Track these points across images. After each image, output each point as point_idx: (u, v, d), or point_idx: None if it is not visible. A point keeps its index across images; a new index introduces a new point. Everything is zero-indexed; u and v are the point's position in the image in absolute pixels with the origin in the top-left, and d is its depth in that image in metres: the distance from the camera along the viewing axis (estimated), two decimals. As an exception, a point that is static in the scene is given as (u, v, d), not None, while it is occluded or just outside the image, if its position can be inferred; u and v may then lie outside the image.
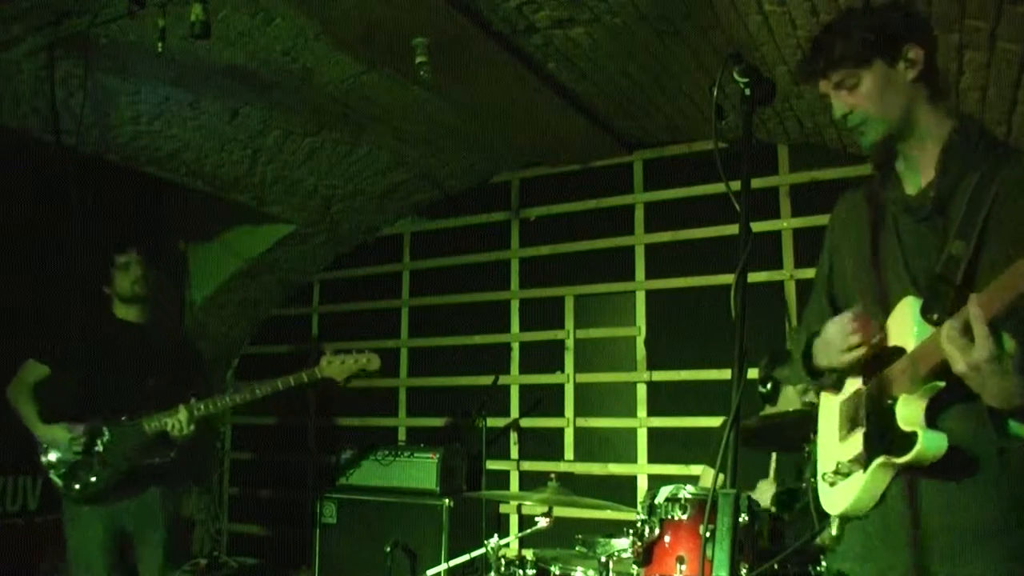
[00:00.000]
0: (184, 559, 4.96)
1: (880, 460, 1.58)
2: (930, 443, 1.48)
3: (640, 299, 4.56)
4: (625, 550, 2.91)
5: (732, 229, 4.07)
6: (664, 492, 2.70)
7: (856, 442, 1.67)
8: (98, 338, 3.52)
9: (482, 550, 3.36)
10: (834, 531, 1.79)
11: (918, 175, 1.66)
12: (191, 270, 5.27)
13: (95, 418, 3.42)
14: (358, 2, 2.90)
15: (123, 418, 3.42)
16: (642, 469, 4.42)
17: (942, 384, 1.48)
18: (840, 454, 1.73)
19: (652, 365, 4.47)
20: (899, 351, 1.56)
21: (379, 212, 5.21)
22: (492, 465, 4.76)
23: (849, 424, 1.72)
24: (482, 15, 3.08)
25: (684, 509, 2.61)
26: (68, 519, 3.42)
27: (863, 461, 1.63)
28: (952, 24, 2.56)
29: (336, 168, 4.50)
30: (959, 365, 1.34)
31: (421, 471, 4.45)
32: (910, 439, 1.49)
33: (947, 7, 2.48)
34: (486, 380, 4.66)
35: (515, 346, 4.90)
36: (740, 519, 2.40)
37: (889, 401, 1.55)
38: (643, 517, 2.70)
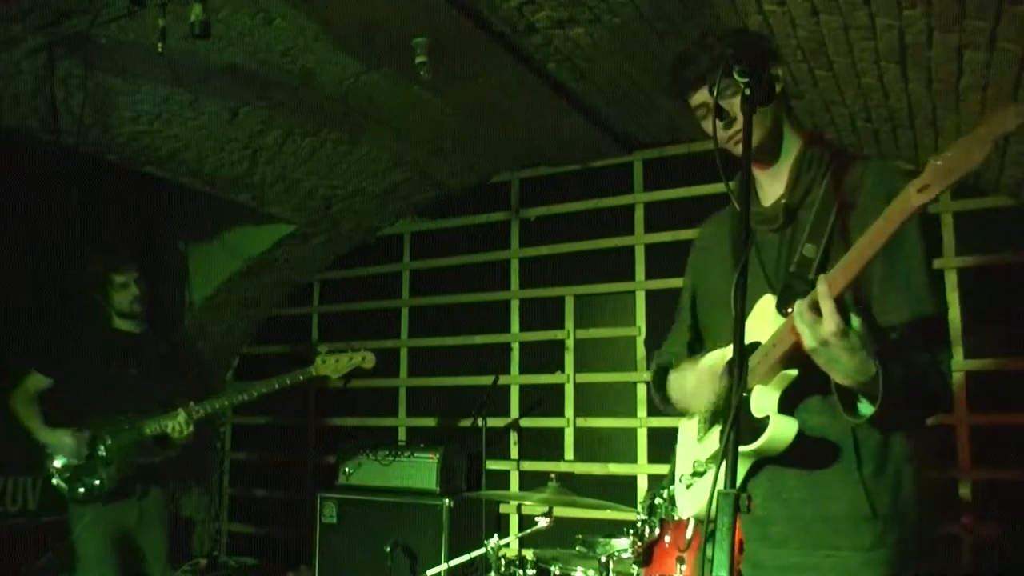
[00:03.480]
0: (184, 559, 4.99)
1: None
2: (780, 425, 1.54)
3: (640, 299, 4.56)
4: (625, 550, 2.92)
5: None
6: (664, 492, 2.71)
7: (714, 440, 1.72)
8: (97, 349, 3.62)
9: (482, 550, 3.37)
10: (688, 534, 1.80)
11: (773, 188, 1.77)
12: (191, 270, 5.27)
13: (96, 423, 3.51)
14: (358, 2, 2.90)
15: (123, 421, 3.53)
16: (642, 469, 4.42)
17: (795, 372, 1.55)
18: (698, 455, 1.78)
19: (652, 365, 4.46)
20: (755, 346, 1.63)
21: (379, 212, 5.21)
22: (492, 465, 4.76)
23: (707, 423, 1.77)
24: (482, 15, 3.08)
25: (684, 509, 2.61)
26: (74, 522, 3.50)
27: (719, 457, 1.66)
28: (952, 24, 2.56)
29: (336, 168, 4.50)
30: (810, 340, 1.42)
31: (421, 471, 4.45)
32: (762, 425, 1.55)
33: (947, 7, 2.48)
34: (486, 380, 4.66)
35: (515, 346, 4.90)
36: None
37: (744, 394, 1.60)
38: (643, 517, 2.71)
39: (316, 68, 3.46)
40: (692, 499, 1.76)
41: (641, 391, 4.48)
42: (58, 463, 3.47)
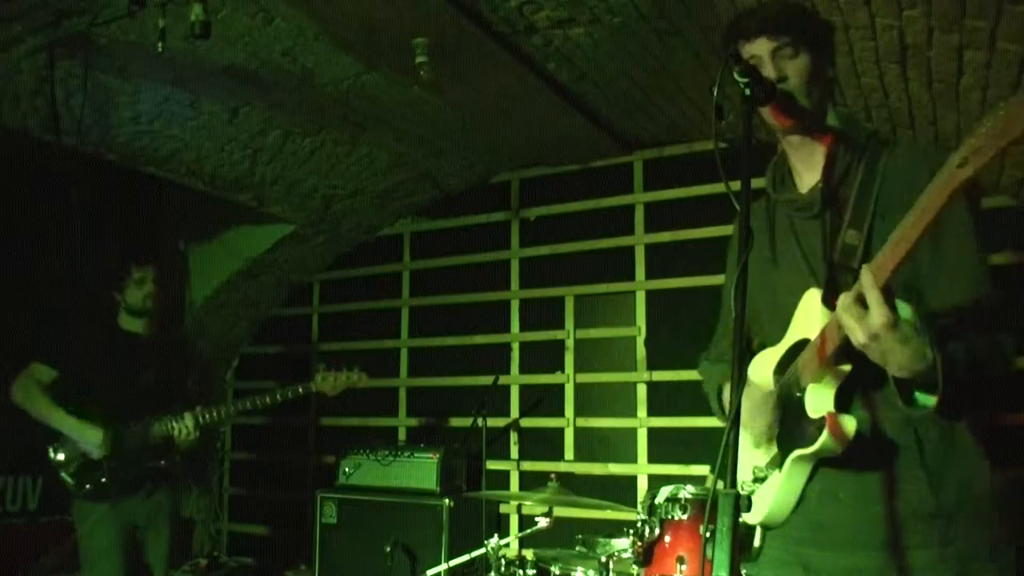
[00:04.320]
0: (184, 559, 4.99)
1: (794, 455, 1.57)
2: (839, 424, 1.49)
3: (640, 299, 4.56)
4: (625, 550, 2.92)
5: (732, 229, 4.06)
6: (664, 492, 2.71)
7: (771, 444, 1.68)
8: (103, 347, 3.61)
9: (482, 550, 3.37)
10: (756, 542, 1.77)
11: (810, 173, 1.72)
12: (191, 270, 5.28)
13: (106, 421, 3.49)
14: (358, 2, 2.90)
15: (132, 422, 3.54)
16: (642, 469, 4.41)
17: (848, 367, 1.50)
18: (756, 460, 1.72)
19: (652, 365, 4.46)
20: (804, 343, 1.58)
21: (379, 212, 5.21)
22: (492, 465, 4.76)
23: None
24: (482, 15, 3.08)
25: (684, 509, 2.62)
26: (79, 518, 3.50)
27: (779, 461, 1.63)
28: (952, 24, 2.56)
29: (336, 168, 4.50)
30: (859, 336, 1.36)
31: (421, 471, 4.45)
32: (820, 425, 1.50)
33: (947, 7, 2.48)
34: (486, 380, 4.66)
35: (515, 346, 4.90)
36: (740, 519, 2.39)
37: (798, 394, 1.57)
38: (643, 517, 2.71)
39: (316, 68, 3.46)
40: (757, 505, 1.68)
41: (641, 391, 4.48)
42: (61, 456, 3.44)
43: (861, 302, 1.35)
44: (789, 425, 1.62)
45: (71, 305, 4.07)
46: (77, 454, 3.46)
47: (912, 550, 1.51)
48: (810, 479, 1.61)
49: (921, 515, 1.51)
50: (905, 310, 1.37)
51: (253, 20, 3.06)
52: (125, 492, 3.51)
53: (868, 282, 1.34)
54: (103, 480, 3.46)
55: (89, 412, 3.49)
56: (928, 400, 1.41)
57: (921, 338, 1.36)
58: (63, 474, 3.46)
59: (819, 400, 1.53)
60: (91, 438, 3.42)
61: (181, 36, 2.85)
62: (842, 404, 1.53)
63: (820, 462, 1.58)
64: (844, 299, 1.38)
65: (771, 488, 1.63)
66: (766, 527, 1.71)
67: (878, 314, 1.32)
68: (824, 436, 1.48)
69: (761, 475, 1.67)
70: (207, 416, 3.61)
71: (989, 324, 1.50)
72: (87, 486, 3.45)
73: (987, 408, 1.62)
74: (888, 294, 1.35)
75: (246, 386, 5.74)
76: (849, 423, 1.49)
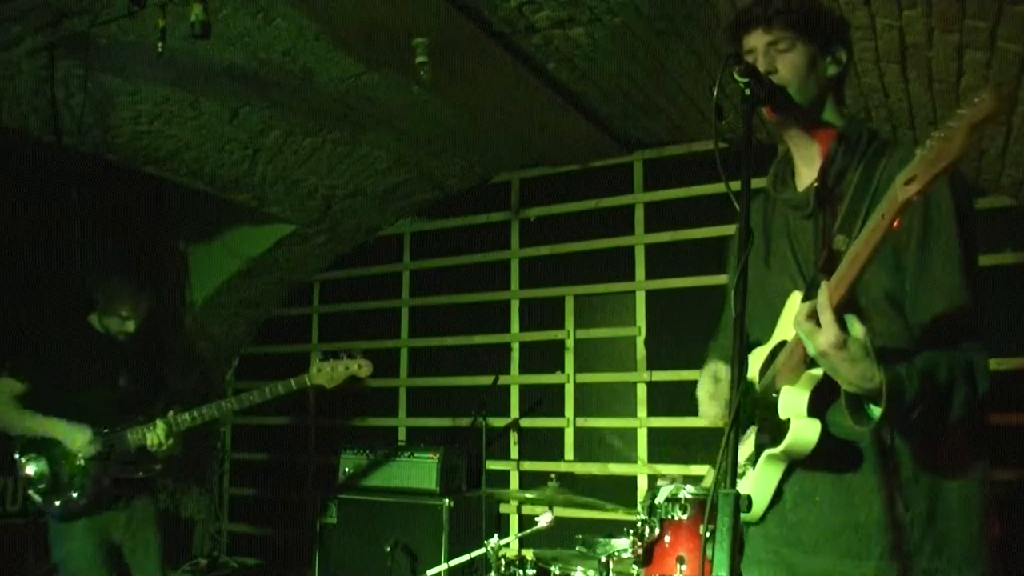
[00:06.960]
0: (184, 559, 4.98)
1: (765, 453, 1.59)
2: (800, 429, 1.50)
3: (640, 299, 4.56)
4: (625, 550, 2.92)
5: (732, 229, 4.06)
6: (664, 492, 2.70)
7: (750, 443, 1.70)
8: (77, 351, 3.40)
9: (482, 550, 3.37)
10: None
11: (809, 171, 1.70)
12: (191, 270, 5.28)
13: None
14: (358, 2, 2.90)
15: (105, 430, 3.31)
16: (642, 469, 4.42)
17: (820, 372, 1.50)
18: (739, 456, 1.72)
19: (652, 365, 4.46)
20: (783, 345, 1.60)
21: (379, 212, 5.21)
22: (492, 465, 4.76)
23: (747, 424, 1.74)
24: (482, 15, 3.08)
25: (684, 509, 2.61)
26: (53, 537, 3.29)
27: (754, 459, 1.65)
28: (952, 24, 2.56)
29: (336, 168, 4.50)
30: (810, 350, 1.39)
31: (421, 471, 4.45)
32: (786, 427, 1.52)
33: (947, 7, 2.48)
34: (486, 380, 4.66)
35: (515, 346, 4.90)
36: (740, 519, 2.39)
37: (774, 395, 1.59)
38: (643, 517, 2.70)
39: (316, 68, 3.46)
40: None
41: (641, 391, 4.48)
42: (31, 470, 3.23)
43: (814, 319, 1.37)
44: (766, 424, 1.64)
45: (55, 306, 3.96)
46: (48, 470, 3.24)
47: (876, 559, 1.51)
48: (786, 479, 1.63)
49: (890, 525, 1.51)
50: (857, 329, 1.37)
51: (253, 20, 3.06)
52: (100, 506, 3.29)
53: (823, 301, 1.36)
54: (74, 495, 3.22)
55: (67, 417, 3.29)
56: (876, 414, 1.41)
57: (870, 359, 1.36)
58: (31, 491, 3.25)
59: (791, 402, 1.55)
60: (79, 437, 3.21)
61: (181, 36, 2.85)
62: (816, 408, 1.53)
63: (798, 464, 1.60)
64: (799, 313, 1.40)
65: (746, 485, 1.65)
66: (745, 524, 1.73)
67: (827, 334, 1.35)
68: (788, 438, 1.51)
69: (740, 471, 1.69)
70: (184, 420, 3.34)
71: (963, 339, 1.49)
72: (56, 503, 3.22)
73: (968, 419, 1.54)
74: (840, 312, 1.36)
75: (246, 386, 5.72)
76: (812, 428, 1.50)
